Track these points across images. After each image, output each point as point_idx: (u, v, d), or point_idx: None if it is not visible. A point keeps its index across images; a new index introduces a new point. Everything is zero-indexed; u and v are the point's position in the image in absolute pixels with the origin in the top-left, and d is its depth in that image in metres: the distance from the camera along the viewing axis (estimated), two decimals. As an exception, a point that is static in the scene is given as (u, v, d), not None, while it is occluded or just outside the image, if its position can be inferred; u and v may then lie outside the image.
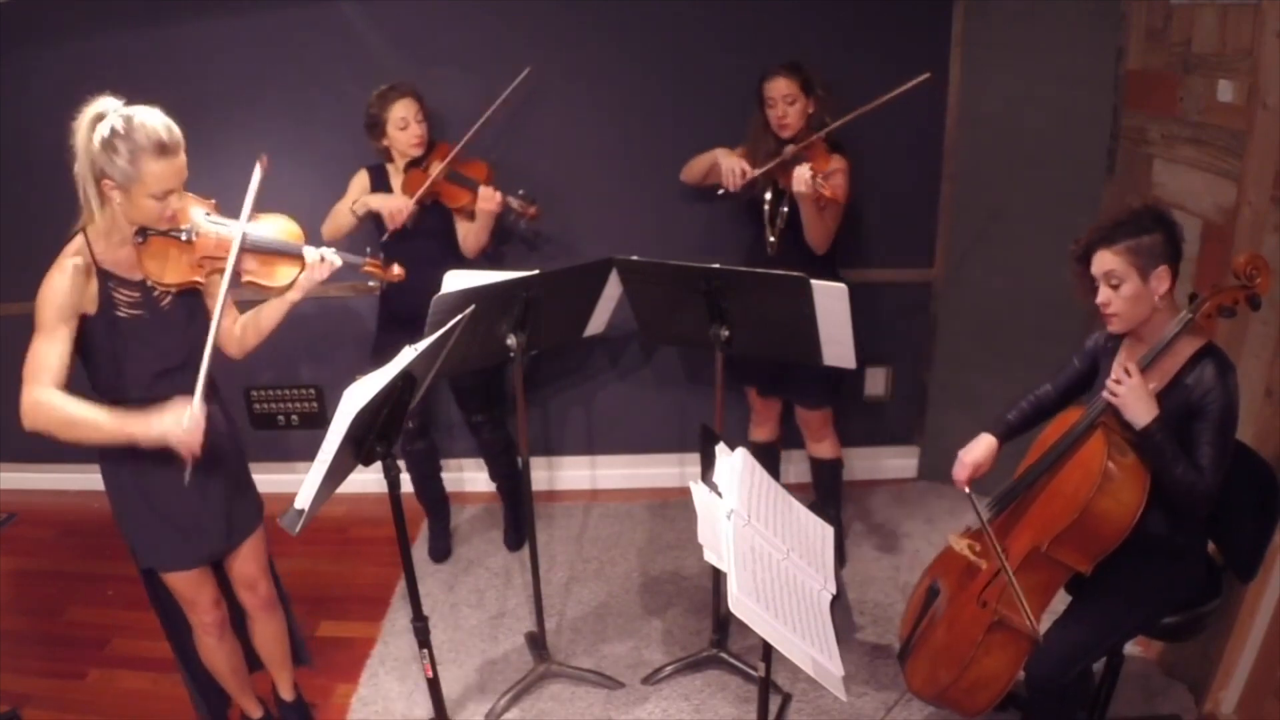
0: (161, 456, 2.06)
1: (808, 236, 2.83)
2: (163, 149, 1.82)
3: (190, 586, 2.19)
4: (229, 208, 2.09)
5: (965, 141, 3.32)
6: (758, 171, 2.80)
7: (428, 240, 3.02)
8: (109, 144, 1.79)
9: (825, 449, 3.16)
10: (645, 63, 3.32)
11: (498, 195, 2.93)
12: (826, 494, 3.22)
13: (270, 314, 2.16)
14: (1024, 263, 3.27)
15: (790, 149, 2.77)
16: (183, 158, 1.88)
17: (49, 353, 1.84)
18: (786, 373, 3.01)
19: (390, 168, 3.04)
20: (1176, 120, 2.67)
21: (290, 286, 2.10)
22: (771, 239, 2.89)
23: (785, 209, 2.87)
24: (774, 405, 3.22)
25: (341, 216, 2.96)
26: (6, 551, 3.59)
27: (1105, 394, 1.93)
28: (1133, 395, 1.87)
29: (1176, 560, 2.05)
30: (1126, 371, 1.89)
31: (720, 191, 2.86)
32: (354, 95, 3.06)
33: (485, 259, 3.16)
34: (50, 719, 2.70)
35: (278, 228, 2.12)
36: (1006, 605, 2.01)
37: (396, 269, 2.36)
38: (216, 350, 2.01)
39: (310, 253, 2.10)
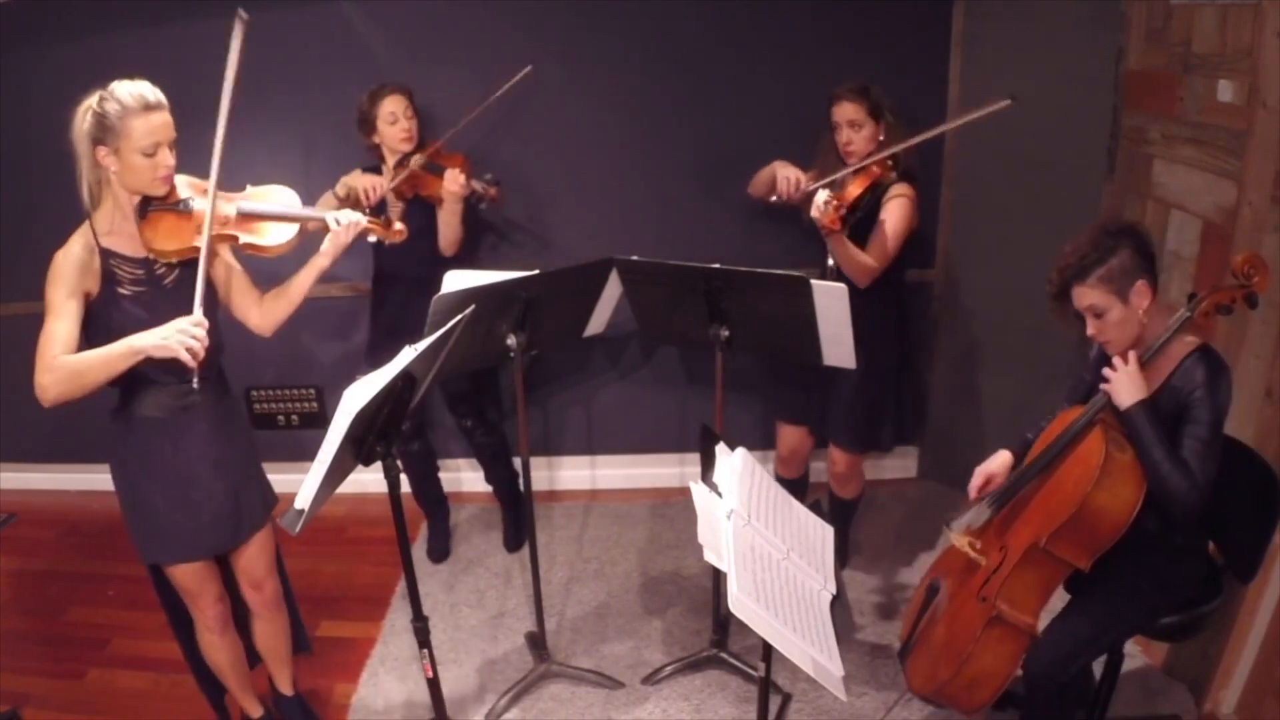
0: (168, 445, 2.09)
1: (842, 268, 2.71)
2: (146, 105, 1.91)
3: (194, 580, 2.21)
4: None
5: (965, 142, 3.32)
6: (811, 187, 2.70)
7: (417, 240, 3.02)
8: (98, 113, 1.89)
9: (849, 490, 3.10)
10: (645, 62, 3.32)
11: (461, 177, 2.92)
12: (840, 524, 3.16)
13: (301, 281, 2.22)
14: (1024, 263, 3.24)
15: (845, 171, 2.69)
16: (168, 115, 1.96)
17: (57, 328, 1.90)
18: (830, 410, 2.92)
19: (384, 169, 3.06)
20: (1176, 120, 2.66)
21: (286, 247, 2.15)
22: (830, 262, 2.78)
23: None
24: (806, 446, 3.11)
25: (325, 203, 2.99)
26: (6, 551, 3.58)
27: (1102, 385, 1.96)
28: (1123, 379, 1.91)
29: (1175, 558, 2.05)
30: (1124, 359, 1.92)
31: (774, 199, 2.77)
32: (354, 95, 3.07)
33: (462, 257, 3.13)
34: (50, 719, 2.71)
35: (268, 191, 2.19)
36: (1005, 600, 2.02)
37: (398, 225, 2.38)
38: (219, 345, 2.07)
39: (330, 217, 2.18)
